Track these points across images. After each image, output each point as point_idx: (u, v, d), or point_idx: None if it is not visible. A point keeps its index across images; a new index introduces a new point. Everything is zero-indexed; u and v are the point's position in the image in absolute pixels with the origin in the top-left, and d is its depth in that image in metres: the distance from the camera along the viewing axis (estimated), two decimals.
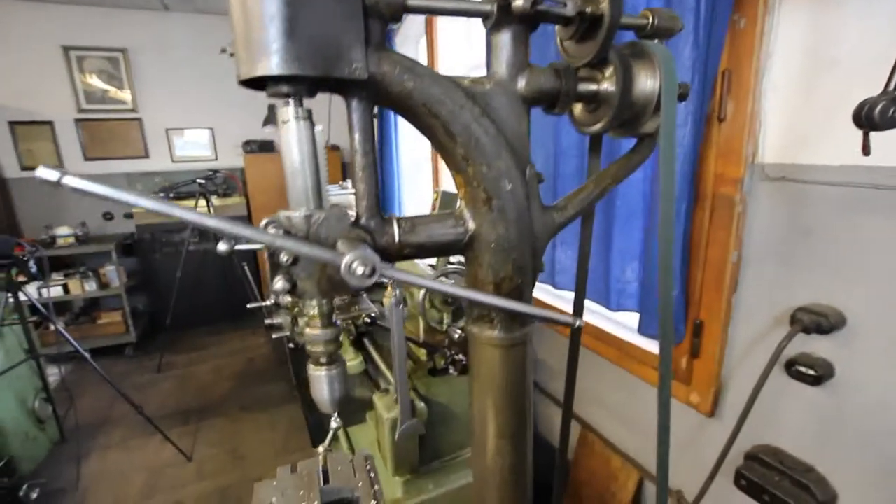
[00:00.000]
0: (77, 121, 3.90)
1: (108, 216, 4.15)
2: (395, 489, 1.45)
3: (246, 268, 3.28)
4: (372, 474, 0.88)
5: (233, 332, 4.19)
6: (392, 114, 3.20)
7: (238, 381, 3.29)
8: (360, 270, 0.36)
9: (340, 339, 0.49)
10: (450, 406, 1.48)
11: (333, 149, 4.53)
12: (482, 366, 0.56)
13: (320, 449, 0.83)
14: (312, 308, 0.45)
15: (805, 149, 0.99)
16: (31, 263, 1.96)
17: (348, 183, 3.95)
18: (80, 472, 2.34)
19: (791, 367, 1.02)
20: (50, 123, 3.82)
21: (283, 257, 0.41)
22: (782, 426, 1.10)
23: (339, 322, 0.55)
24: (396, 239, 0.48)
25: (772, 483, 1.07)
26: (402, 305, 0.57)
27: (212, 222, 0.36)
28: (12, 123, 3.72)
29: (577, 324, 0.46)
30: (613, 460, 1.61)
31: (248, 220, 4.33)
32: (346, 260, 0.36)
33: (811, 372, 0.99)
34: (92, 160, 4.01)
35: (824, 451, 1.03)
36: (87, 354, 2.36)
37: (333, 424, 0.73)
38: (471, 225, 0.51)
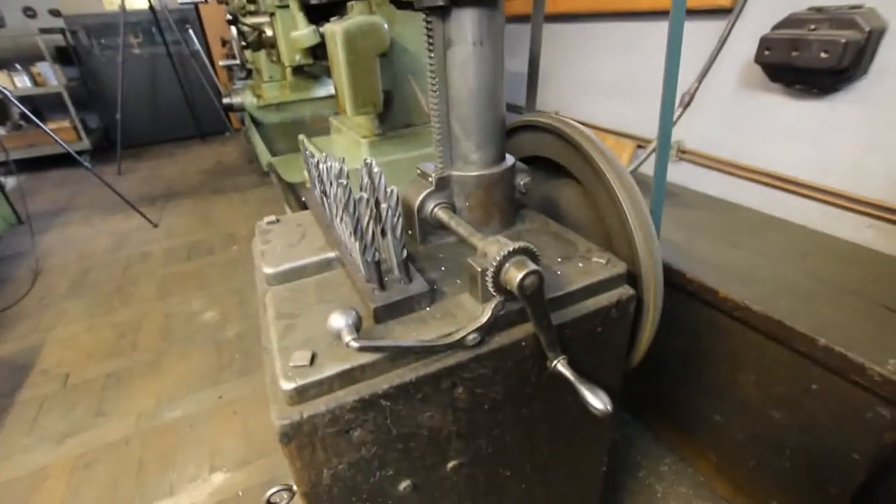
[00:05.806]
0: None
1: (29, 13, 3.57)
2: (360, 151, 1.29)
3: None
4: None
5: (200, 144, 3.91)
6: None
7: (208, 176, 3.09)
8: None
9: None
10: (418, 54, 1.25)
11: None
12: None
13: None
14: None
15: None
16: None
17: None
18: (41, 241, 2.21)
19: None
20: None
21: None
22: None
23: None
24: None
25: (806, 33, 0.87)
26: None
27: None
28: None
29: None
30: (607, 141, 1.45)
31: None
32: None
33: None
34: None
35: None
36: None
37: None
38: None
